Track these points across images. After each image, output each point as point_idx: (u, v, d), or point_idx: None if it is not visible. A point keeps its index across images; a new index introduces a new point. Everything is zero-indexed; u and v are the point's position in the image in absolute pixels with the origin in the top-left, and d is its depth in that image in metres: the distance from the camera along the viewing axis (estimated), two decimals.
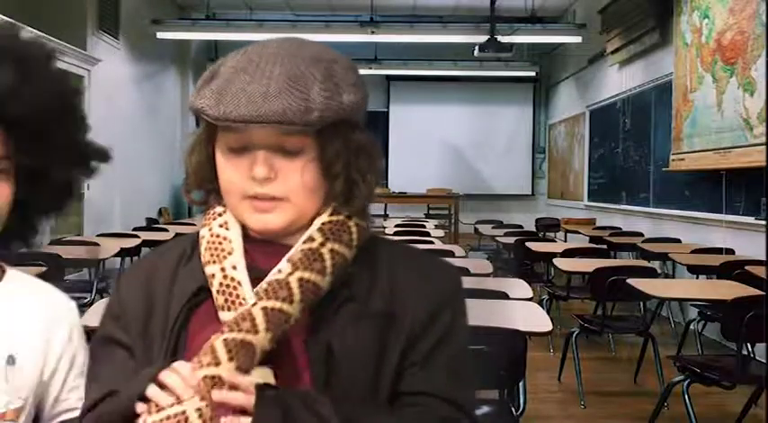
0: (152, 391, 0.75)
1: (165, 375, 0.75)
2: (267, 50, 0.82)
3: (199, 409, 0.72)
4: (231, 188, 0.83)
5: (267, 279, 0.81)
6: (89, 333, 0.98)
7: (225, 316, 0.79)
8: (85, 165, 0.98)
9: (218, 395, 0.72)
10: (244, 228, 0.87)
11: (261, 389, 0.74)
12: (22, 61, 0.87)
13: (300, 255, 0.81)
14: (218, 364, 0.74)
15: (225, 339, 0.75)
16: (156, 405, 0.73)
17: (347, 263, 0.84)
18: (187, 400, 0.72)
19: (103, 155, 0.99)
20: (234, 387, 0.73)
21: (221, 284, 0.81)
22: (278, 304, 0.77)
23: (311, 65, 0.81)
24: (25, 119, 0.86)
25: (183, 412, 0.72)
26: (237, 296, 0.80)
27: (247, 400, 0.73)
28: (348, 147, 0.83)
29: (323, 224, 0.84)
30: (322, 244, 0.82)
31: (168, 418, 0.72)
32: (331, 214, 0.85)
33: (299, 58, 0.81)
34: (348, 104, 0.81)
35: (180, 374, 0.75)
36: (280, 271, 0.81)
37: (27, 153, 0.89)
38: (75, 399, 0.96)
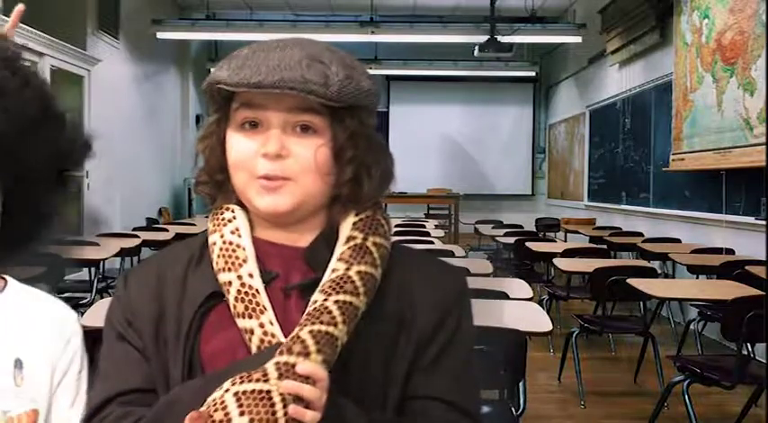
0: None
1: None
2: (282, 41, 0.83)
3: None
4: (241, 163, 0.82)
5: (328, 278, 0.80)
6: (89, 333, 0.97)
7: (244, 323, 0.79)
8: (73, 165, 0.91)
9: (289, 385, 0.68)
10: (252, 230, 0.86)
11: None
12: None
13: (349, 252, 0.82)
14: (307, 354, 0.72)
15: (311, 331, 0.75)
16: None
17: (388, 255, 0.85)
18: None
19: (87, 147, 0.92)
20: (307, 378, 0.69)
21: (239, 292, 0.81)
22: (348, 298, 0.78)
23: (327, 52, 0.82)
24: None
25: None
26: (257, 304, 0.80)
27: (314, 393, 0.69)
28: (361, 134, 0.83)
29: (354, 223, 0.85)
30: (365, 238, 0.83)
31: None
32: (357, 214, 0.86)
33: (314, 46, 0.82)
34: (366, 89, 0.82)
35: None
36: (334, 270, 0.81)
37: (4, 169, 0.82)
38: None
